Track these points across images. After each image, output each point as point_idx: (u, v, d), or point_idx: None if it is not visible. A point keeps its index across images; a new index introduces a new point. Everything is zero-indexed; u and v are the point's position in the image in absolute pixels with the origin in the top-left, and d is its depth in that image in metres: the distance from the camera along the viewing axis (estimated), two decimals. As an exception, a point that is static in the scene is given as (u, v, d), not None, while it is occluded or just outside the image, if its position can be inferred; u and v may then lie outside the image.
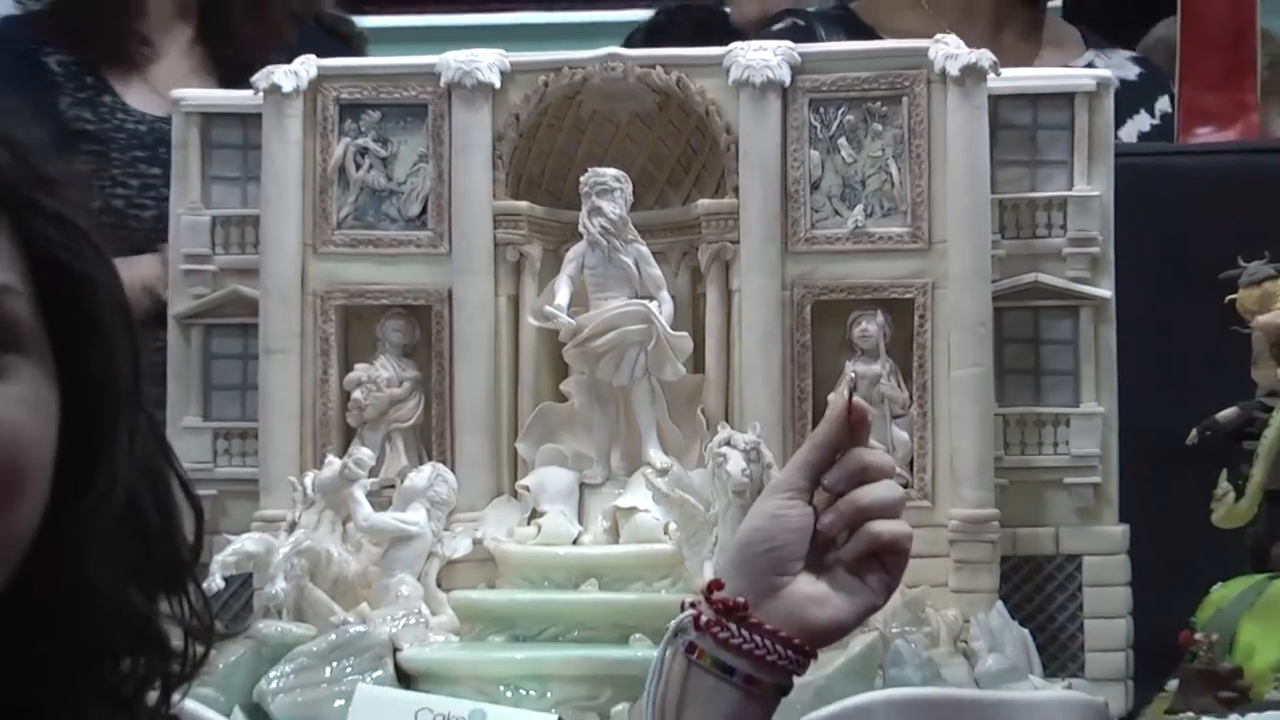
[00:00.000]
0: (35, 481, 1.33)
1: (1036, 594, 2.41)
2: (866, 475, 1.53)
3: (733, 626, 1.55)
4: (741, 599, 1.55)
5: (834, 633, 1.57)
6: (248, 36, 3.54)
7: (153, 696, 1.46)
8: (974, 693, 2.20)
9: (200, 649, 1.45)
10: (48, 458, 1.35)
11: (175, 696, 1.45)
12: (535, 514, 2.48)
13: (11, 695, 1.38)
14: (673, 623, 1.53)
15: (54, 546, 1.36)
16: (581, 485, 2.52)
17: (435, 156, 2.56)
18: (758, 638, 1.56)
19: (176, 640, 1.45)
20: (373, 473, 2.49)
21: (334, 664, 2.27)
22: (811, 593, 1.56)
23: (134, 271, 2.69)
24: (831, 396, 2.36)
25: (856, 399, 1.51)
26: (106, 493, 1.38)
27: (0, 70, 3.40)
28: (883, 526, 1.54)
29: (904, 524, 1.56)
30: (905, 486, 2.35)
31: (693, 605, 1.54)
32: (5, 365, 1.31)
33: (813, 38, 3.32)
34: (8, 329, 1.31)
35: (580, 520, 2.49)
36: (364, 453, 2.47)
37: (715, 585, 1.54)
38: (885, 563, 1.55)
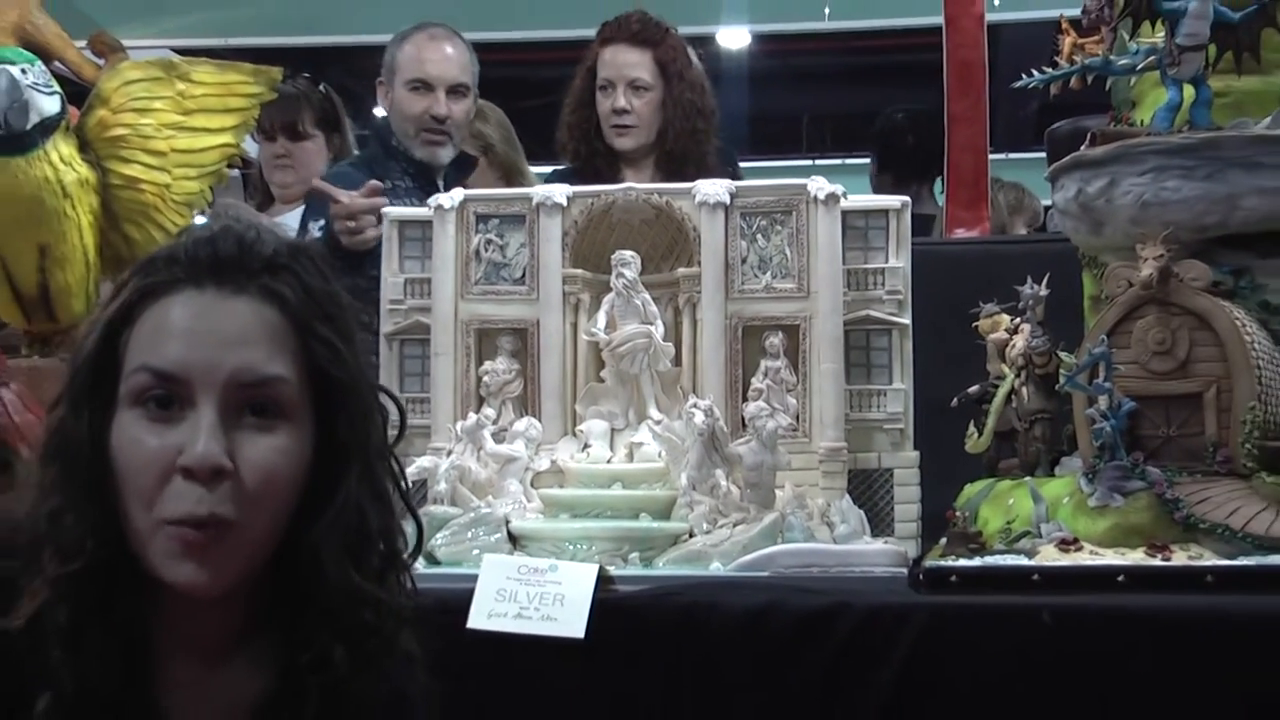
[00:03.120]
0: (278, 501, 1.31)
1: (867, 491, 2.44)
2: None
3: None
4: None
5: None
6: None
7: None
8: (833, 546, 2.24)
9: (407, 610, 1.41)
10: (290, 488, 1.32)
11: None
12: (586, 446, 2.51)
13: (286, 642, 1.36)
14: None
15: (306, 547, 1.34)
16: (612, 430, 2.53)
17: (530, 244, 2.58)
18: None
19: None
20: (495, 423, 2.52)
21: (473, 530, 2.31)
22: None
23: None
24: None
25: None
26: (340, 511, 1.34)
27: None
28: None
29: None
30: (795, 431, 2.41)
31: None
32: (274, 425, 1.31)
33: None
34: (279, 405, 1.31)
35: (611, 449, 2.51)
36: (489, 412, 2.53)
37: None
38: None
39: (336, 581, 1.35)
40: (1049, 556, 1.95)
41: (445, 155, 3.63)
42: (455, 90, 3.62)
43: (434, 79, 3.61)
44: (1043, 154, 4.12)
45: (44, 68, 2.60)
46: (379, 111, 3.94)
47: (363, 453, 1.37)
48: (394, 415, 1.44)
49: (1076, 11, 2.37)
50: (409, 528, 1.45)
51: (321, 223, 3.27)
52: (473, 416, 2.49)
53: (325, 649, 1.34)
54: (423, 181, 3.57)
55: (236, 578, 1.31)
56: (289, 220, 3.96)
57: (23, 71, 2.52)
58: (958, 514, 2.18)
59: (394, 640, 1.39)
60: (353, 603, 1.36)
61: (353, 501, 1.35)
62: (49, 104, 2.55)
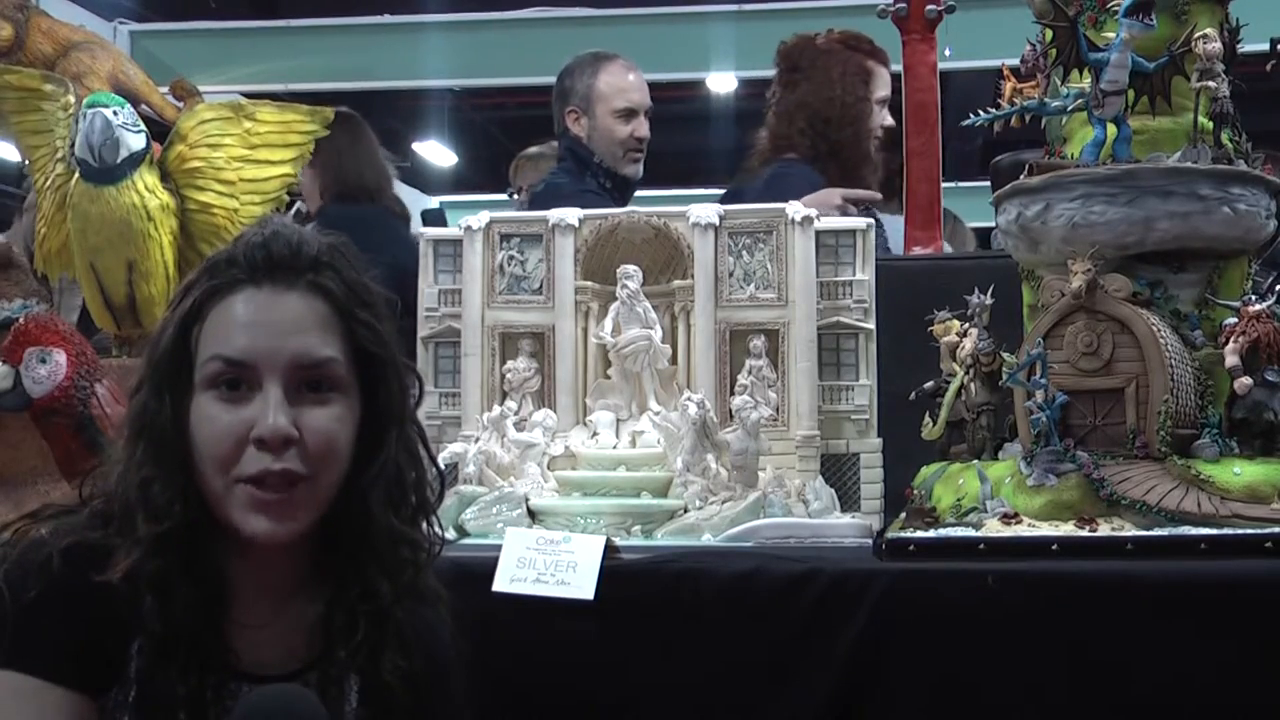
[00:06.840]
0: (338, 460, 1.35)
1: (837, 472, 2.42)
2: None
3: None
4: None
5: None
6: None
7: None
8: (808, 520, 2.24)
9: (436, 548, 1.46)
10: (347, 449, 1.36)
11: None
12: (595, 434, 2.49)
13: (341, 576, 1.37)
14: None
15: (355, 497, 1.38)
16: (617, 420, 2.51)
17: (547, 260, 2.54)
18: None
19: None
20: (516, 414, 2.49)
21: (497, 507, 2.29)
22: None
23: None
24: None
25: None
26: (383, 466, 1.38)
27: None
28: None
29: None
30: (775, 421, 2.38)
31: None
32: (329, 398, 1.34)
33: None
34: (331, 381, 1.34)
35: (616, 436, 2.48)
36: (511, 404, 2.50)
37: None
38: None
39: (381, 525, 1.37)
40: (993, 529, 1.96)
41: (641, 169, 3.55)
42: (647, 113, 3.57)
43: (637, 105, 3.56)
44: (988, 183, 4.17)
45: (132, 110, 2.66)
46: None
47: (399, 416, 1.40)
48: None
49: (1016, 61, 2.37)
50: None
51: None
52: (497, 408, 2.48)
53: (372, 582, 1.37)
54: (617, 193, 3.48)
55: (303, 526, 1.33)
56: None
57: (114, 113, 2.58)
58: (915, 492, 2.19)
59: (425, 575, 1.41)
60: (394, 542, 1.39)
61: (392, 457, 1.38)
62: (136, 141, 2.61)
